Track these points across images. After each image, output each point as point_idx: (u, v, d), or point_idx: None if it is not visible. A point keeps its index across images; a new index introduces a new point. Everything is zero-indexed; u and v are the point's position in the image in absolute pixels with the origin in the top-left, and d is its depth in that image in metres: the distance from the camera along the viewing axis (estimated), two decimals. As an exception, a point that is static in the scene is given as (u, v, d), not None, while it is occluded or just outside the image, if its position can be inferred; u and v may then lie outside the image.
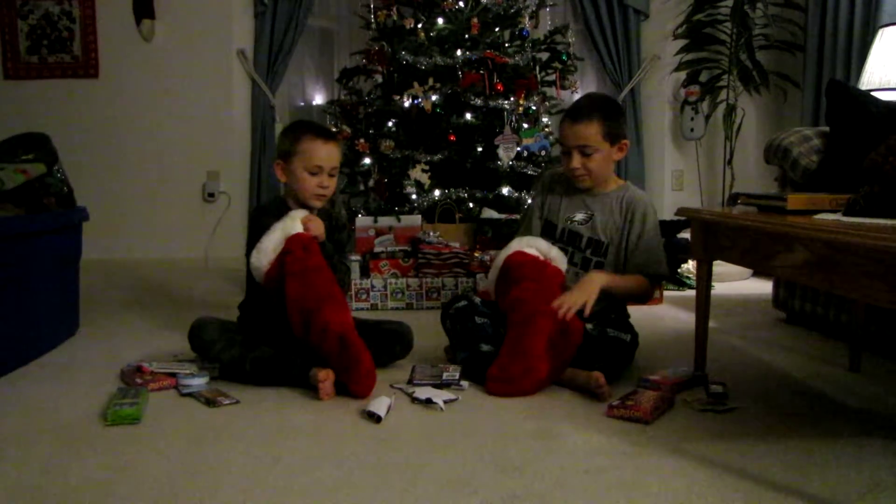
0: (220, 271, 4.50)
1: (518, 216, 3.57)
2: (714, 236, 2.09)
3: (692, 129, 4.64)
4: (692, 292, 2.39)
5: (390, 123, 3.87)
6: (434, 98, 3.70)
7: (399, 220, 3.64)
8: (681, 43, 4.62)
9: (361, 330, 2.12)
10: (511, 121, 3.73)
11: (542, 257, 2.29)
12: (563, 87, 4.13)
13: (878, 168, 1.68)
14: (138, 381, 2.15)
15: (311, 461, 1.63)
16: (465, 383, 2.15)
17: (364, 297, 3.40)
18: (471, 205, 3.74)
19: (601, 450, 1.68)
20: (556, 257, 2.31)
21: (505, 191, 3.70)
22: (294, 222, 2.18)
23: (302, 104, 5.20)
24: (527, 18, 3.98)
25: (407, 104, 3.74)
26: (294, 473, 1.56)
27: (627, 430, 1.80)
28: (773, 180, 3.39)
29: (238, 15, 4.83)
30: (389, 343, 2.37)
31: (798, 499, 1.42)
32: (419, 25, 3.85)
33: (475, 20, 3.82)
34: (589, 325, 2.16)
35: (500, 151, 3.70)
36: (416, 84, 3.72)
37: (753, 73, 4.42)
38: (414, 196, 3.70)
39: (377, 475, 1.55)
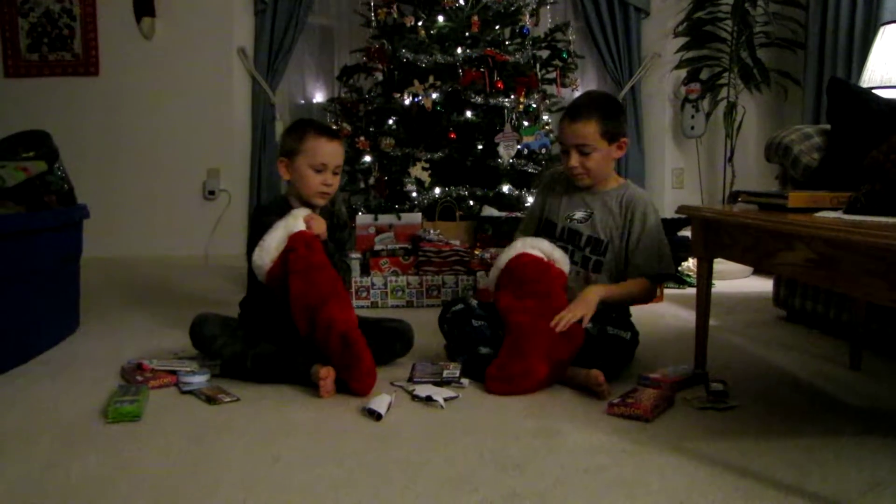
0: (220, 269, 4.50)
1: (518, 214, 3.57)
2: (715, 234, 2.09)
3: (693, 127, 4.64)
4: (692, 290, 2.39)
5: (391, 121, 3.86)
6: (434, 96, 3.69)
7: (399, 217, 3.65)
8: (681, 40, 4.61)
9: (362, 328, 2.12)
10: (511, 119, 3.73)
11: (545, 259, 2.29)
12: (564, 85, 4.12)
13: (879, 166, 1.68)
14: (139, 378, 2.15)
15: (311, 459, 1.63)
16: (465, 381, 2.15)
17: (364, 294, 3.40)
18: (471, 203, 3.74)
19: (601, 448, 1.68)
20: (559, 259, 2.31)
21: (505, 189, 3.70)
22: (297, 220, 2.18)
23: (302, 102, 5.19)
24: (527, 16, 3.97)
25: (407, 102, 3.74)
26: (294, 471, 1.56)
27: (628, 429, 1.80)
28: (773, 178, 3.39)
29: (238, 13, 4.82)
30: (390, 341, 2.37)
31: (798, 497, 1.42)
32: (419, 23, 3.85)
33: (475, 18, 3.81)
34: (589, 324, 2.16)
35: (501, 149, 3.69)
36: (416, 82, 3.72)
37: (754, 71, 4.42)
38: (414, 194, 3.70)
39: (377, 473, 1.55)
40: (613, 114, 2.35)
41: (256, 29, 4.85)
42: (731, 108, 4.43)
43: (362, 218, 3.65)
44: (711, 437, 1.75)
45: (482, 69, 3.73)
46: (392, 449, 1.68)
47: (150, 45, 4.81)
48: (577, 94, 3.56)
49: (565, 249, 2.37)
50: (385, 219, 3.65)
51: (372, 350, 2.09)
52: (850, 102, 2.70)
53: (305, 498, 1.44)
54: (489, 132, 3.76)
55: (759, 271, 4.22)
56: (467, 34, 3.84)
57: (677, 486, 1.48)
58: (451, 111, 3.75)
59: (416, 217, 3.66)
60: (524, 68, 3.92)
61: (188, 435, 1.77)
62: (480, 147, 3.78)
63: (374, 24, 4.02)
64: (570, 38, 4.23)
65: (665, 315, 3.19)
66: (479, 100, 3.71)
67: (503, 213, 3.64)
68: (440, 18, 3.85)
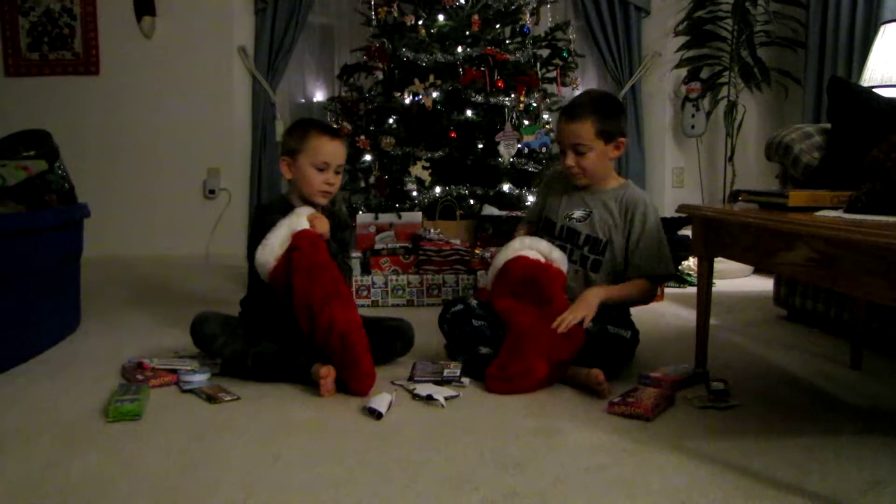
0: (220, 268, 4.50)
1: (519, 213, 3.57)
2: (715, 233, 2.09)
3: (693, 126, 4.64)
4: (693, 289, 2.39)
5: (391, 120, 3.86)
6: (435, 95, 3.69)
7: (400, 216, 3.65)
8: (682, 40, 4.61)
9: (364, 326, 2.13)
10: (512, 117, 3.73)
11: (543, 259, 2.29)
12: (564, 84, 4.12)
13: (879, 165, 1.68)
14: (139, 377, 2.15)
15: (311, 457, 1.63)
16: (465, 380, 2.15)
17: (365, 293, 3.40)
18: (471, 201, 3.74)
19: (602, 447, 1.68)
20: (558, 258, 2.31)
21: (506, 188, 3.70)
22: (300, 219, 2.18)
23: (302, 101, 5.19)
24: (527, 15, 3.97)
25: (407, 101, 3.74)
26: (295, 470, 1.56)
27: (628, 428, 1.80)
28: (774, 177, 3.39)
29: (239, 12, 4.82)
30: (390, 340, 2.37)
31: (799, 496, 1.42)
32: (420, 22, 3.84)
33: (476, 17, 3.81)
34: (589, 323, 2.16)
35: (501, 148, 3.69)
36: (416, 81, 3.72)
37: (754, 70, 4.41)
38: (415, 193, 3.70)
39: (378, 472, 1.55)
40: (610, 113, 2.34)
41: (257, 28, 4.85)
42: (732, 107, 4.43)
43: (363, 217, 3.65)
44: (712, 436, 1.75)
45: (482, 68, 3.73)
46: (392, 448, 1.68)
47: (150, 44, 4.81)
48: (577, 93, 3.56)
49: (564, 248, 2.37)
50: (385, 218, 3.65)
51: (372, 349, 2.09)
52: (851, 101, 2.69)
53: (306, 497, 1.44)
54: (489, 131, 3.76)
55: (759, 270, 4.22)
56: (468, 33, 3.83)
57: (678, 485, 1.48)
58: (452, 110, 3.74)
59: (417, 216, 3.66)
60: (524, 67, 3.92)
61: (189, 434, 1.77)
62: (481, 146, 3.77)
63: (374, 22, 4.02)
64: (571, 36, 4.23)
65: (665, 314, 3.19)
66: (479, 99, 3.70)
67: (504, 212, 3.64)
68: (440, 17, 3.85)
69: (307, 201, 2.34)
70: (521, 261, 2.28)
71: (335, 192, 2.38)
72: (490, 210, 3.68)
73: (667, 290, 3.66)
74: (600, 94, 2.54)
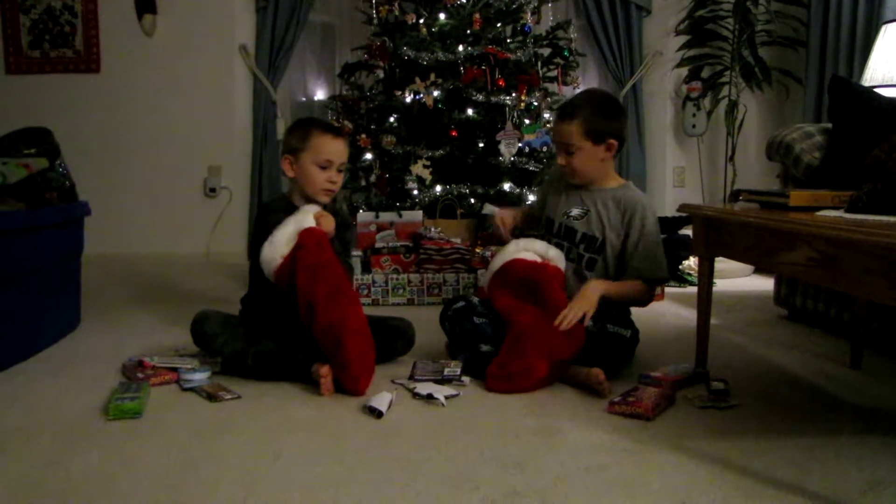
0: (221, 266, 4.51)
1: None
2: (716, 233, 2.09)
3: (694, 126, 4.63)
4: (693, 289, 2.38)
5: (392, 119, 3.86)
6: (436, 93, 3.69)
7: (400, 215, 3.64)
8: (683, 39, 4.60)
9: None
10: (513, 117, 3.73)
11: (539, 260, 2.30)
12: (565, 83, 4.12)
13: (881, 165, 1.68)
14: (140, 375, 2.15)
15: (312, 456, 1.63)
16: (466, 379, 2.15)
17: (365, 292, 3.40)
18: (472, 200, 3.74)
19: (602, 446, 1.68)
20: (555, 257, 2.31)
21: (506, 187, 3.70)
22: (307, 216, 2.19)
23: (303, 99, 5.19)
24: (529, 14, 3.96)
25: (408, 100, 3.74)
26: (295, 468, 1.56)
27: (628, 427, 1.80)
28: (775, 177, 3.38)
29: (240, 10, 4.82)
30: (391, 339, 2.37)
31: (799, 496, 1.42)
32: (421, 21, 3.84)
33: (477, 16, 3.81)
34: (589, 322, 2.16)
35: (502, 147, 3.69)
36: (417, 79, 3.71)
37: (755, 70, 4.41)
38: (415, 192, 3.70)
39: (378, 471, 1.55)
40: (601, 114, 2.32)
41: (258, 26, 4.84)
42: (733, 106, 4.43)
43: (363, 215, 3.65)
44: (712, 435, 1.75)
45: (483, 67, 3.73)
46: (393, 447, 1.68)
47: (151, 42, 4.80)
48: (578, 92, 3.55)
49: (561, 246, 2.37)
50: (386, 216, 3.65)
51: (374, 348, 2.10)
52: (852, 101, 2.69)
53: (306, 495, 1.44)
54: (490, 130, 3.76)
55: (760, 270, 4.22)
56: (469, 32, 3.83)
57: (678, 484, 1.48)
58: (453, 109, 3.74)
59: (418, 215, 3.66)
60: (525, 66, 3.92)
61: (189, 432, 1.77)
62: (482, 145, 3.77)
63: (375, 21, 4.01)
64: (572, 36, 4.23)
65: (666, 314, 3.19)
66: (480, 97, 3.70)
67: (504, 212, 3.64)
68: (441, 16, 3.85)
69: (309, 200, 2.33)
70: (517, 263, 2.29)
71: (337, 191, 2.38)
72: (491, 209, 3.68)
73: (667, 289, 3.66)
74: (595, 94, 2.51)
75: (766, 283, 3.74)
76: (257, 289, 2.35)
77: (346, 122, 3.85)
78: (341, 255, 2.34)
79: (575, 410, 1.93)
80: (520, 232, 2.63)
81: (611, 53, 4.84)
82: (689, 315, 2.93)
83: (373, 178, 3.79)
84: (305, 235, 2.13)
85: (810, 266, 1.63)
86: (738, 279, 4.14)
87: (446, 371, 2.17)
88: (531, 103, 3.82)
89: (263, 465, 1.58)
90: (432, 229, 3.58)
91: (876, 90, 2.87)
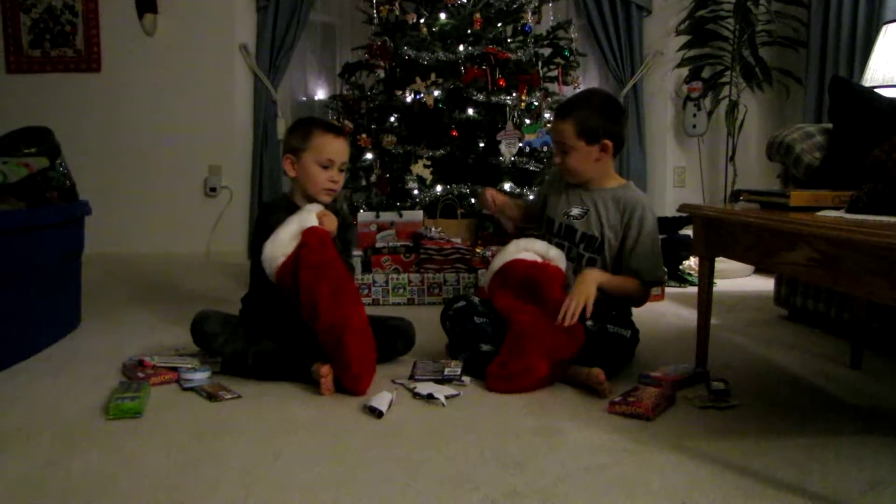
0: (221, 266, 4.51)
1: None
2: (716, 233, 2.09)
3: (694, 126, 4.63)
4: (694, 289, 2.38)
5: (392, 118, 3.86)
6: (436, 93, 3.69)
7: (401, 215, 3.64)
8: (683, 39, 4.61)
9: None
10: (513, 116, 3.73)
11: (540, 260, 2.29)
12: (566, 83, 4.12)
13: (881, 165, 1.68)
14: (140, 375, 2.15)
15: (312, 456, 1.63)
16: (466, 379, 2.15)
17: (366, 292, 3.40)
18: (472, 200, 3.74)
19: (602, 446, 1.68)
20: (555, 257, 2.31)
21: (507, 186, 3.70)
22: (310, 215, 2.19)
23: (304, 99, 5.19)
24: (529, 14, 3.96)
25: (409, 99, 3.74)
26: (295, 468, 1.56)
27: (629, 427, 1.80)
28: (775, 177, 3.38)
29: (240, 10, 4.82)
30: (392, 339, 2.37)
31: (799, 496, 1.43)
32: (422, 20, 3.84)
33: (478, 15, 3.81)
34: (589, 322, 2.16)
35: (502, 147, 3.69)
36: (418, 79, 3.72)
37: (756, 70, 4.41)
38: (416, 191, 3.70)
39: (378, 470, 1.55)
40: (596, 114, 2.30)
41: (258, 26, 4.84)
42: (733, 106, 4.43)
43: (364, 215, 3.65)
44: (712, 435, 1.75)
45: (484, 67, 3.73)
46: (393, 447, 1.68)
47: (152, 41, 4.80)
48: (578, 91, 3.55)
49: (562, 246, 2.37)
50: (386, 216, 3.65)
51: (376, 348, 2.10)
52: (852, 101, 2.69)
53: (306, 495, 1.44)
54: (491, 130, 3.76)
55: (760, 270, 4.22)
56: (469, 31, 3.83)
57: (678, 484, 1.48)
58: (453, 109, 3.74)
59: (418, 215, 3.66)
60: (526, 66, 3.92)
61: (189, 432, 1.77)
62: (482, 145, 3.78)
63: (376, 21, 4.02)
64: (572, 35, 4.23)
65: (666, 314, 3.19)
66: (480, 97, 3.70)
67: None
68: (442, 16, 3.85)
69: (311, 199, 2.33)
70: (518, 263, 2.29)
71: (339, 190, 2.38)
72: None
73: (667, 289, 3.66)
74: (594, 94, 2.49)
75: (766, 284, 3.74)
76: (258, 288, 2.34)
77: (346, 122, 3.85)
78: (342, 254, 2.34)
79: (575, 410, 1.93)
80: (509, 222, 2.64)
81: (611, 53, 4.84)
82: (690, 315, 2.93)
83: (373, 178, 3.79)
84: (309, 234, 2.13)
85: (810, 266, 1.63)
86: (738, 279, 4.14)
87: (447, 371, 2.17)
88: (532, 103, 3.82)
89: (264, 464, 1.58)
90: (433, 229, 3.58)
91: (876, 90, 2.87)
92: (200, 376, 2.14)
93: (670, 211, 4.15)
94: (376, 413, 1.87)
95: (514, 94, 3.74)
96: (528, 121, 3.81)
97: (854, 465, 1.57)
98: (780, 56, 4.56)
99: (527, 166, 3.75)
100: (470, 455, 1.63)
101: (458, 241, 3.53)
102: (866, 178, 1.72)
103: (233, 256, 4.69)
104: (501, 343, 2.16)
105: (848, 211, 1.73)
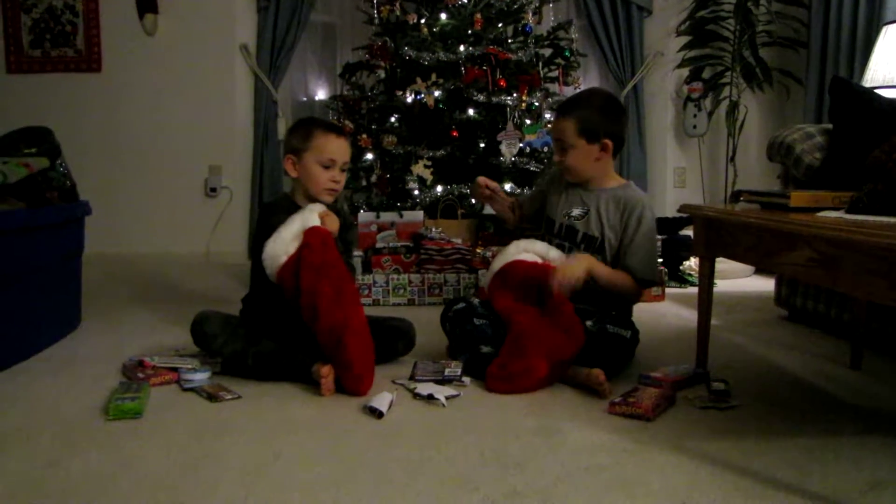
0: (221, 266, 4.51)
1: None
2: (716, 233, 2.09)
3: (695, 126, 4.63)
4: (694, 289, 2.38)
5: (393, 119, 3.87)
6: (437, 94, 3.69)
7: (401, 215, 3.65)
8: (684, 39, 4.61)
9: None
10: (514, 117, 3.73)
11: (540, 261, 2.29)
12: (566, 84, 4.12)
13: (881, 165, 1.68)
14: (140, 375, 2.15)
15: (312, 456, 1.63)
16: (466, 379, 2.15)
17: (366, 292, 3.40)
18: (473, 201, 3.74)
19: (602, 447, 1.68)
20: (556, 258, 2.32)
21: (507, 187, 3.70)
22: (312, 215, 2.19)
23: (304, 99, 5.19)
24: (530, 14, 3.97)
25: (410, 100, 3.74)
26: (295, 468, 1.56)
27: (629, 428, 1.80)
28: (775, 178, 3.38)
29: (241, 10, 4.82)
30: (392, 339, 2.37)
31: (799, 496, 1.42)
32: (422, 21, 3.84)
33: (478, 16, 3.81)
34: (589, 322, 2.16)
35: (503, 147, 3.69)
36: (418, 79, 3.72)
37: (756, 70, 4.41)
38: (416, 192, 3.70)
39: (378, 471, 1.55)
40: (598, 113, 2.32)
41: (259, 26, 4.85)
42: (734, 107, 4.43)
43: (364, 215, 3.66)
44: (712, 436, 1.75)
45: (485, 67, 3.73)
46: (393, 447, 1.68)
47: (152, 41, 4.81)
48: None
49: (562, 247, 2.37)
50: (387, 216, 3.65)
51: (374, 348, 2.10)
52: (853, 102, 2.69)
53: (306, 495, 1.44)
54: (491, 130, 3.76)
55: (760, 271, 4.22)
56: (470, 32, 3.84)
57: (678, 485, 1.48)
58: (454, 109, 3.75)
59: (418, 215, 3.66)
60: (527, 66, 3.93)
61: (189, 432, 1.77)
62: (483, 145, 3.78)
63: (376, 21, 4.02)
64: (573, 36, 4.24)
65: (666, 314, 3.19)
66: (481, 98, 3.71)
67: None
68: (443, 16, 3.86)
69: (312, 200, 2.33)
70: (518, 265, 2.29)
71: (340, 190, 2.38)
72: (491, 209, 3.68)
73: (667, 290, 3.65)
74: (595, 93, 2.51)
75: (766, 284, 3.74)
76: (258, 289, 2.34)
77: (347, 122, 3.86)
78: (343, 255, 2.34)
79: (575, 411, 1.93)
80: (506, 213, 2.65)
81: (612, 54, 4.84)
82: (690, 315, 2.93)
83: (374, 179, 3.79)
84: (311, 234, 2.13)
85: (810, 267, 1.63)
86: (738, 280, 4.14)
87: (447, 371, 2.17)
88: (532, 103, 3.82)
89: (264, 464, 1.58)
90: (433, 229, 3.58)
91: (876, 91, 2.87)
92: (200, 377, 2.14)
93: (671, 211, 4.15)
94: (376, 413, 1.87)
95: (515, 95, 3.74)
96: (528, 121, 3.81)
97: (854, 465, 1.57)
98: (780, 56, 4.56)
99: (527, 167, 3.75)
100: (470, 455, 1.63)
101: (459, 241, 3.53)
102: (866, 179, 1.72)
103: (233, 257, 4.69)
104: (501, 344, 2.16)
105: (848, 211, 1.73)
